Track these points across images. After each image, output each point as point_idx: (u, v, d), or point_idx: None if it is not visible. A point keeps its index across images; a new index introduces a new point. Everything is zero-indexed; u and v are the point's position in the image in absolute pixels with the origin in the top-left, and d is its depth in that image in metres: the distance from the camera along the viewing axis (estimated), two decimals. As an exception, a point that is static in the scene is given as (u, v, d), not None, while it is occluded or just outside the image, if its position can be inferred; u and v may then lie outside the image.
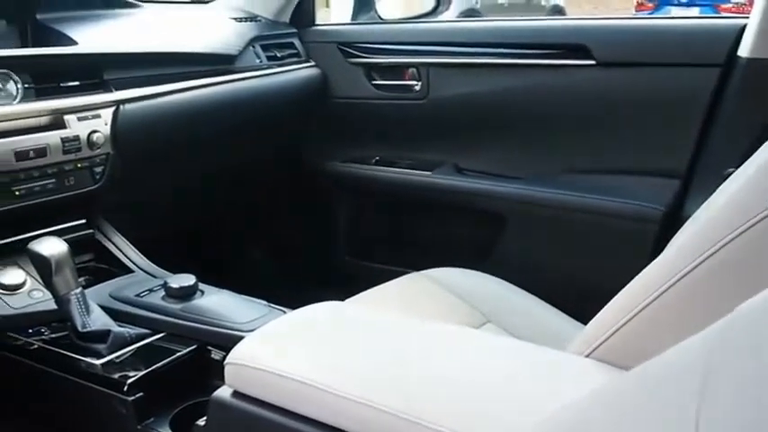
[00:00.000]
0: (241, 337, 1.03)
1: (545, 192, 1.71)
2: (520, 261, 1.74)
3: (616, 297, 0.79)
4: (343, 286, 1.39)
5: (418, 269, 1.45)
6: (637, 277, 0.77)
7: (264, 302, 1.23)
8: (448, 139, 1.88)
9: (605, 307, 0.81)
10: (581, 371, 0.78)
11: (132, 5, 1.75)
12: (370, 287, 1.33)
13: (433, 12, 2.20)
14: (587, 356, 0.80)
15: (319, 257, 2.14)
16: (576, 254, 1.69)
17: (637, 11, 9.07)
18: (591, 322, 0.83)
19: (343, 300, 1.13)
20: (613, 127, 1.67)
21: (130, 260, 1.41)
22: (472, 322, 1.23)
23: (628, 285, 0.78)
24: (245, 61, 1.78)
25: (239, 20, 1.89)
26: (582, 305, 1.07)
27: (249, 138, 1.86)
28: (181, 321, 1.17)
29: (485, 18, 5.49)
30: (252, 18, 1.92)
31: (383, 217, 2.05)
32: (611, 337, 0.78)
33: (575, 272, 1.67)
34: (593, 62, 1.64)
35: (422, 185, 1.87)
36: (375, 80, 1.94)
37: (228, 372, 0.85)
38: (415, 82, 1.89)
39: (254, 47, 1.83)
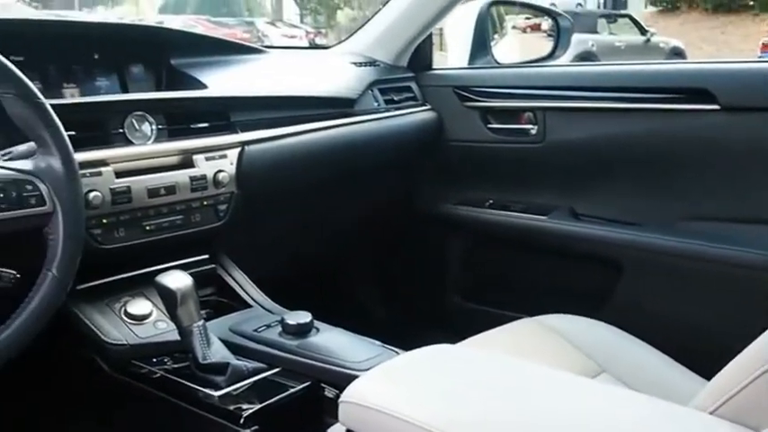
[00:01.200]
0: (355, 376, 1.04)
1: (664, 239, 1.65)
2: (636, 310, 1.68)
3: (744, 351, 0.75)
4: (454, 329, 1.39)
5: (531, 315, 1.43)
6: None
7: (378, 342, 1.24)
8: (564, 184, 1.86)
9: (732, 361, 0.77)
10: (707, 428, 0.74)
11: (258, 51, 1.83)
12: (481, 331, 1.32)
13: (550, 56, 2.20)
14: (712, 413, 0.76)
15: (431, 299, 2.14)
16: (696, 304, 1.62)
17: (762, 52, 8.73)
18: (716, 377, 0.80)
19: (454, 343, 1.12)
20: (737, 173, 1.61)
21: (249, 296, 1.45)
22: (587, 372, 1.20)
23: (758, 339, 0.74)
24: (364, 105, 1.83)
25: (359, 64, 1.94)
26: (703, 358, 1.03)
27: (365, 180, 1.89)
28: (296, 358, 1.19)
29: (602, 62, 5.41)
30: (371, 63, 1.97)
31: (496, 260, 2.03)
32: (738, 394, 0.73)
33: (695, 323, 1.60)
34: (716, 107, 1.59)
35: (536, 230, 1.85)
36: (491, 124, 1.95)
37: (342, 410, 0.86)
38: (531, 126, 1.88)
39: (372, 91, 1.88)
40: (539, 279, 1.94)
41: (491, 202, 1.96)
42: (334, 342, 1.22)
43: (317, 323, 1.28)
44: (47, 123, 1.00)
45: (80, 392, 1.41)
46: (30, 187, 0.98)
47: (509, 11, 2.62)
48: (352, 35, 2.11)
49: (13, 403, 1.47)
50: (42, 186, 0.99)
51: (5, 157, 1.06)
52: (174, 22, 14.68)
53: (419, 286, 2.19)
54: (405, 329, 1.68)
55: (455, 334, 1.23)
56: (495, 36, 2.31)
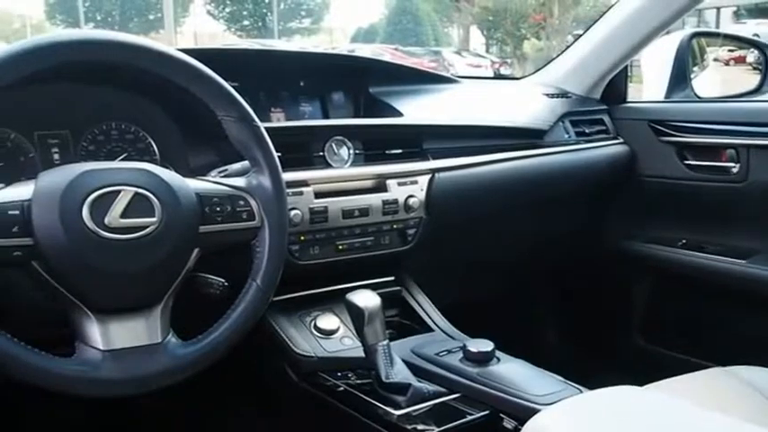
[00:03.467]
0: (536, 410, 1.03)
1: None
2: None
3: None
4: (635, 372, 1.33)
5: (722, 364, 1.34)
6: None
7: (561, 378, 1.21)
8: (767, 227, 1.74)
9: None
10: None
11: (452, 81, 1.87)
12: (665, 377, 1.26)
13: (756, 91, 2.07)
14: None
15: (611, 338, 2.07)
16: None
17: None
18: None
19: (634, 386, 1.08)
20: None
21: (432, 320, 1.48)
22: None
23: None
24: (555, 136, 1.81)
25: (551, 96, 1.93)
26: None
27: (551, 212, 1.87)
28: (477, 385, 1.19)
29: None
30: (563, 94, 1.96)
31: (686, 304, 1.93)
32: None
33: None
34: None
35: (733, 274, 1.74)
36: (688, 160, 1.86)
37: None
38: (732, 164, 1.78)
39: (563, 122, 1.86)
40: (732, 326, 1.82)
41: (684, 241, 1.87)
42: (515, 373, 1.21)
43: (498, 353, 1.27)
44: (261, 145, 1.08)
45: (268, 398, 1.50)
46: (242, 203, 1.06)
47: (711, 42, 2.50)
48: (544, 66, 2.10)
49: (207, 403, 1.59)
50: (253, 202, 1.07)
51: (222, 174, 1.15)
52: (365, 50, 15.29)
53: (599, 323, 2.13)
54: (582, 366, 1.63)
55: (635, 377, 1.18)
56: (695, 69, 2.21)
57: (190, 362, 1.00)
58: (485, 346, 1.26)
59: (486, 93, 1.96)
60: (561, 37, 18.79)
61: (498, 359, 1.26)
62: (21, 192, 0.93)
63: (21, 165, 1.23)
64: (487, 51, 21.79)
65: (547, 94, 1.93)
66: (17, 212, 0.91)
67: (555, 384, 1.19)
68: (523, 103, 1.89)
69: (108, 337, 0.95)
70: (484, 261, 1.83)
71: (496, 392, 1.17)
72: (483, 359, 1.24)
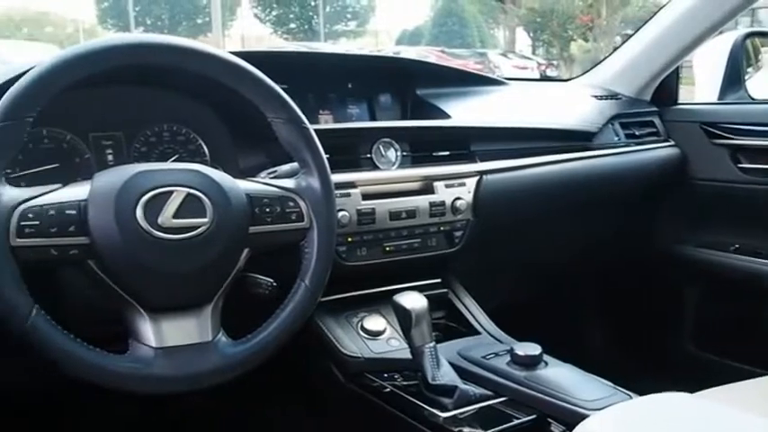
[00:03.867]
0: (585, 415, 1.02)
1: None
2: None
3: None
4: (685, 378, 1.31)
5: None
6: None
7: (609, 383, 1.20)
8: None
9: None
10: None
11: (499, 83, 1.86)
12: (716, 384, 1.23)
13: (813, 92, 2.02)
14: None
15: (660, 344, 2.04)
16: None
17: None
18: None
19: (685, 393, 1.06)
20: None
21: (478, 322, 1.47)
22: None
23: None
24: (604, 139, 1.79)
25: (599, 98, 1.91)
26: None
27: (599, 215, 1.85)
28: (524, 389, 1.19)
29: None
30: (612, 96, 1.93)
31: (739, 310, 1.89)
32: None
33: None
34: None
35: (789, 280, 1.70)
36: (741, 163, 1.82)
37: None
38: (788, 167, 1.74)
39: (613, 124, 1.84)
40: (789, 334, 1.77)
41: (737, 246, 1.83)
42: (563, 377, 1.20)
43: (545, 356, 1.27)
44: (310, 147, 1.09)
45: (314, 398, 1.51)
46: (292, 204, 1.07)
47: (765, 43, 2.45)
48: (593, 68, 2.08)
49: (254, 402, 1.60)
50: (302, 204, 1.07)
51: (271, 176, 1.16)
52: (410, 52, 15.30)
53: (649, 328, 2.09)
54: (630, 371, 1.61)
55: (686, 383, 1.16)
56: (750, 70, 2.16)
57: (239, 361, 1.01)
58: (532, 349, 1.25)
59: (533, 94, 1.95)
60: (609, 38, 18.56)
61: (546, 363, 1.25)
62: (77, 192, 0.95)
63: (76, 166, 1.26)
64: (533, 53, 21.61)
65: (596, 96, 1.91)
66: (74, 212, 0.93)
67: (604, 389, 1.17)
68: (572, 104, 1.87)
69: (160, 334, 0.97)
70: (531, 263, 1.81)
71: (544, 396, 1.16)
72: (530, 363, 1.23)
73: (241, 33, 27.47)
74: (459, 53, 16.56)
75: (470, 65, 13.73)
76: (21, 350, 0.92)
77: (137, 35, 1.04)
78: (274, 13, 26.84)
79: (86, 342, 0.94)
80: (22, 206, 0.91)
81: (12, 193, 0.92)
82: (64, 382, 0.98)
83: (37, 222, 0.91)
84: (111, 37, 1.02)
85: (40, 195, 0.93)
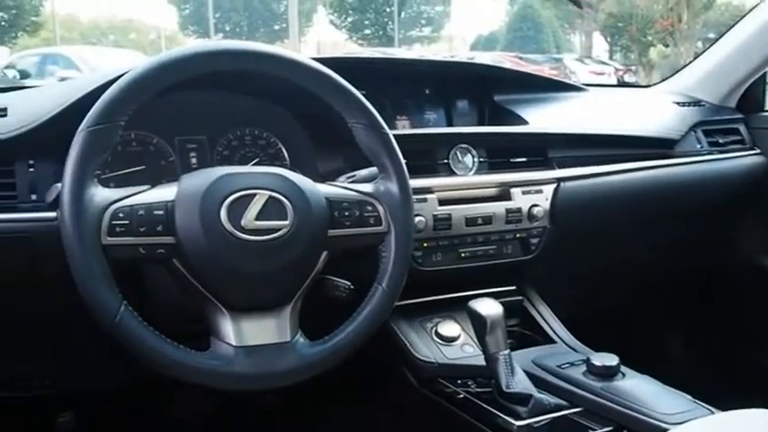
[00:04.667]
0: (664, 429, 1.00)
1: None
2: None
3: None
4: None
5: None
6: None
7: (689, 397, 1.17)
8: None
9: None
10: None
11: (578, 89, 1.84)
12: None
13: None
14: None
15: (744, 358, 1.97)
16: None
17: None
18: None
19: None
20: None
21: (554, 331, 1.46)
22: None
23: None
24: (686, 146, 1.75)
25: (682, 104, 1.87)
26: None
27: (680, 224, 1.80)
28: (601, 400, 1.17)
29: None
30: (695, 103, 1.89)
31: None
32: None
33: None
34: None
35: None
36: (831, 172, 1.75)
37: None
38: None
39: (695, 132, 1.79)
40: None
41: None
42: (642, 389, 1.17)
43: (623, 368, 1.24)
44: (389, 152, 1.10)
45: (387, 401, 1.52)
46: (370, 208, 1.08)
47: None
48: (674, 74, 2.04)
49: (327, 403, 1.62)
50: (380, 208, 1.09)
51: (350, 180, 1.18)
52: (484, 58, 15.21)
53: (731, 340, 2.03)
54: (711, 385, 1.56)
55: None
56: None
57: (317, 361, 1.03)
58: (609, 360, 1.23)
59: (612, 101, 1.92)
60: (690, 43, 18.06)
61: (623, 374, 1.23)
62: (165, 193, 0.99)
63: (162, 168, 1.31)
64: (611, 58, 21.20)
65: (677, 103, 1.87)
66: (162, 213, 0.97)
67: (684, 403, 1.15)
68: (652, 111, 1.84)
69: (240, 333, 0.99)
70: (608, 272, 1.78)
71: (622, 408, 1.14)
72: (607, 373, 1.21)
73: (317, 39, 27.84)
74: (534, 59, 16.37)
75: (546, 70, 13.53)
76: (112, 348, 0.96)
77: (222, 42, 1.06)
78: (350, 19, 27.10)
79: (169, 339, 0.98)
80: (114, 206, 0.95)
81: (104, 194, 0.96)
82: (147, 378, 1.01)
83: (127, 222, 0.94)
84: (198, 44, 1.06)
85: (130, 196, 0.97)
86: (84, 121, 0.96)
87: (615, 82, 13.92)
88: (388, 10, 26.16)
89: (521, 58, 15.25)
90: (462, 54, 19.45)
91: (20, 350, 1.27)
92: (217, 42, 1.05)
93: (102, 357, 1.20)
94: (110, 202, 0.95)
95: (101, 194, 0.95)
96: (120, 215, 0.95)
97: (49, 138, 1.14)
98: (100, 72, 1.29)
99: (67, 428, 1.58)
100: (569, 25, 25.96)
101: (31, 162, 1.16)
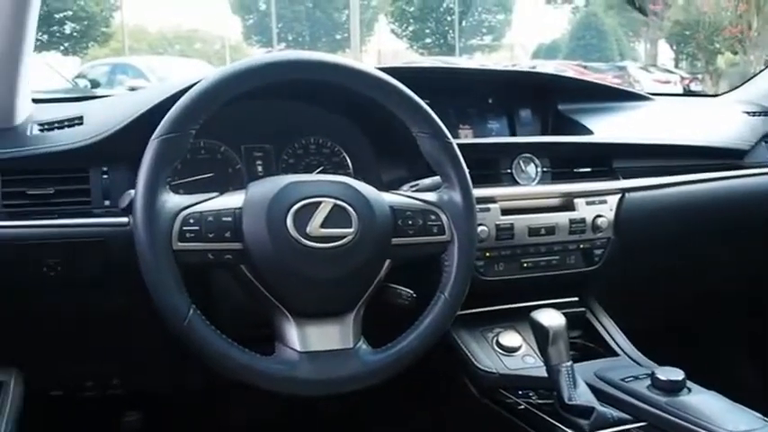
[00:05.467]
0: (730, 446, 0.98)
1: None
2: None
3: None
4: None
5: None
6: None
7: (759, 414, 1.14)
8: None
9: None
10: None
11: (643, 98, 1.81)
12: None
13: None
14: None
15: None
16: None
17: None
18: None
19: None
20: None
21: (617, 344, 1.44)
22: None
23: None
24: (756, 157, 1.71)
25: (752, 114, 1.82)
26: None
27: (749, 236, 1.76)
28: (665, 415, 1.14)
29: None
30: (766, 112, 1.84)
31: None
32: None
33: None
34: None
35: None
36: None
37: None
38: None
39: (766, 142, 1.74)
40: None
41: None
42: (708, 405, 1.14)
43: (688, 383, 1.22)
44: (453, 162, 1.11)
45: (447, 410, 1.52)
46: (433, 217, 1.09)
47: None
48: (744, 83, 1.99)
49: (385, 410, 1.63)
50: (444, 217, 1.09)
51: (413, 189, 1.19)
52: (547, 66, 15.06)
53: None
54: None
55: None
56: None
57: (379, 368, 1.04)
58: (675, 374, 1.20)
59: (679, 110, 1.89)
60: (760, 51, 17.54)
61: (689, 389, 1.20)
62: (233, 200, 1.02)
63: (229, 175, 1.34)
64: (676, 66, 20.75)
65: (747, 112, 1.83)
66: (230, 219, 0.99)
67: (753, 420, 1.12)
68: (720, 121, 1.80)
69: (305, 339, 1.01)
70: (674, 285, 1.74)
71: (687, 424, 1.12)
72: (673, 388, 1.19)
73: (378, 48, 27.99)
74: (597, 67, 16.12)
75: (609, 79, 13.32)
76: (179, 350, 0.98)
77: (291, 52, 1.08)
78: (411, 28, 27.16)
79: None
80: (184, 212, 0.98)
81: (175, 200, 0.99)
82: (212, 380, 1.04)
83: (197, 228, 0.97)
84: (266, 55, 1.08)
85: (199, 203, 1.00)
86: (157, 130, 0.99)
87: (681, 90, 13.62)
88: (449, 19, 26.14)
89: (584, 67, 15.04)
90: (524, 63, 19.31)
91: (91, 350, 1.32)
92: (285, 53, 1.08)
93: (168, 359, 1.23)
94: (180, 209, 0.98)
95: (172, 201, 0.98)
96: (191, 221, 0.97)
97: (122, 146, 1.18)
98: (169, 83, 1.33)
99: (134, 428, 1.63)
100: (634, 33, 25.50)
101: (104, 169, 1.21)
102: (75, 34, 21.29)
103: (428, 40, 26.60)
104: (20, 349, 1.24)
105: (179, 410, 1.65)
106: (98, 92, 8.79)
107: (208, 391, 1.54)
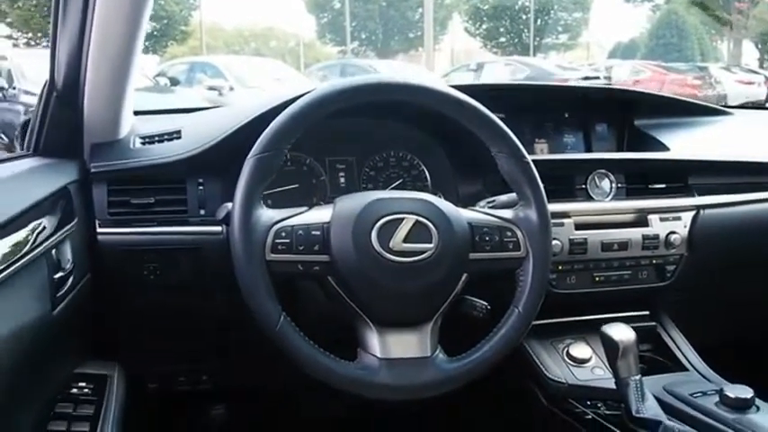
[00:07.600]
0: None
1: None
2: None
3: None
4: None
5: None
6: None
7: None
8: None
9: None
10: None
11: (723, 113, 1.81)
12: None
13: None
14: None
15: None
16: None
17: None
18: None
19: None
20: None
21: (687, 359, 1.45)
22: None
23: None
24: None
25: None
26: None
27: None
28: None
29: None
30: None
31: None
32: None
33: None
34: None
35: None
36: None
37: None
38: None
39: None
40: None
41: None
42: (776, 424, 1.16)
43: (757, 401, 1.23)
44: (530, 180, 1.15)
45: (516, 418, 1.56)
46: (510, 234, 1.13)
47: None
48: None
49: (453, 415, 1.67)
50: (520, 234, 1.13)
51: (489, 205, 1.24)
52: (623, 66, 14.77)
53: None
54: None
55: None
56: None
57: (455, 377, 1.09)
58: (744, 392, 1.22)
59: (761, 123, 1.87)
60: None
61: (758, 407, 1.21)
62: (322, 215, 1.08)
63: (313, 186, 1.42)
64: (761, 67, 20.04)
65: None
66: (318, 233, 1.06)
67: None
68: None
69: (385, 346, 1.07)
70: (747, 302, 1.74)
71: None
72: (741, 406, 1.20)
73: (450, 47, 27.93)
74: (676, 67, 15.70)
75: (688, 80, 13.01)
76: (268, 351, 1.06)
77: (376, 76, 1.14)
78: (484, 26, 27.00)
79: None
80: (277, 226, 1.05)
81: (269, 214, 1.06)
82: (297, 380, 1.10)
83: (288, 240, 1.05)
84: (356, 78, 1.14)
85: (290, 217, 1.07)
86: (254, 148, 1.06)
87: (766, 91, 13.16)
88: (524, 17, 25.87)
89: (663, 67, 14.68)
90: (600, 62, 18.95)
91: (185, 348, 1.40)
92: (369, 77, 1.13)
93: (258, 359, 1.30)
94: (273, 222, 1.05)
95: (266, 215, 1.06)
96: (283, 234, 1.05)
97: (217, 159, 1.27)
98: (259, 100, 1.41)
99: (221, 420, 1.72)
100: (716, 32, 24.74)
101: (200, 180, 1.29)
102: (155, 33, 21.93)
103: (502, 39, 26.40)
104: (121, 345, 1.34)
105: (262, 405, 1.73)
106: (177, 90, 9.08)
107: (287, 390, 1.61)
